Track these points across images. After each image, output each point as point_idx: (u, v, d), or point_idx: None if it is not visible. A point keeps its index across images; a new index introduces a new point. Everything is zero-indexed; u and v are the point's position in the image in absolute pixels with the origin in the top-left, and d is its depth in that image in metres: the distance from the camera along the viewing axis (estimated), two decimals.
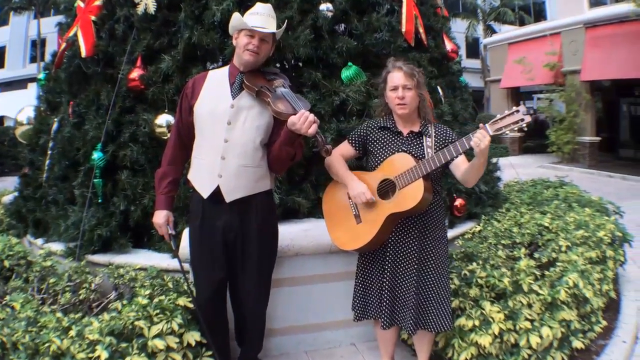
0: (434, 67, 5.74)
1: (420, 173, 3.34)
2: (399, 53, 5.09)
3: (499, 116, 3.13)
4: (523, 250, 4.73)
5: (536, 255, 4.78)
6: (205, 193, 3.36)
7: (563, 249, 4.82)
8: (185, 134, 3.51)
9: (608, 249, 5.17)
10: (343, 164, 3.70)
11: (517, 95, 26.78)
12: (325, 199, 3.89)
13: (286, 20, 3.57)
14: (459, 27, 30.65)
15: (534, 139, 24.29)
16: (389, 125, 3.66)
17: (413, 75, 3.53)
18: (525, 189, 7.82)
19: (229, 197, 3.33)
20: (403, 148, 3.55)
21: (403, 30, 5.30)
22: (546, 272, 4.39)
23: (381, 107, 3.78)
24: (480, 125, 3.15)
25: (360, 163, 4.10)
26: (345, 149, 3.77)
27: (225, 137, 3.30)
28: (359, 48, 4.99)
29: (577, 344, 3.97)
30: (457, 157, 3.33)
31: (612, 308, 5.13)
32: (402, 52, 5.18)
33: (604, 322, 4.53)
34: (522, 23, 32.73)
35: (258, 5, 3.43)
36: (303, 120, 3.03)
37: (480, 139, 3.08)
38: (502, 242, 4.99)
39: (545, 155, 22.17)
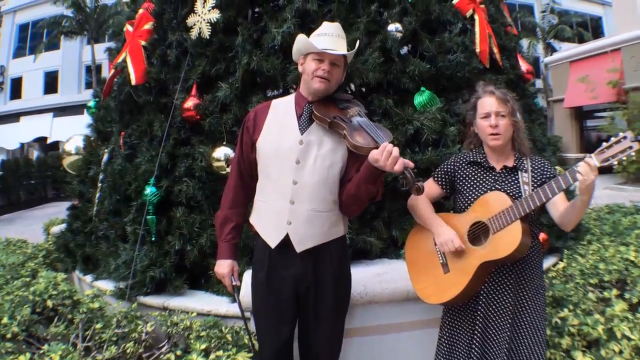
0: (511, 90, 5.28)
1: (518, 214, 2.90)
2: (474, 75, 4.71)
3: (604, 145, 2.70)
4: (615, 291, 4.28)
5: (627, 295, 4.31)
6: (272, 242, 2.96)
7: None
8: (247, 172, 3.12)
9: None
10: (428, 206, 3.30)
11: (581, 115, 26.09)
12: (409, 244, 3.48)
13: (357, 41, 3.15)
14: None
15: None
16: (479, 160, 3.24)
17: (507, 101, 3.11)
18: (603, 216, 7.28)
19: (299, 247, 2.92)
20: (496, 186, 3.12)
21: (477, 50, 4.90)
22: (638, 315, 3.95)
23: (470, 138, 3.36)
24: (586, 156, 2.72)
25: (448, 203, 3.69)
26: (430, 187, 3.33)
27: (293, 178, 2.90)
28: (432, 71, 4.59)
29: None
30: (559, 193, 2.87)
31: None
32: (478, 74, 4.78)
33: None
34: (581, 40, 32.14)
35: (325, 24, 3.03)
36: (387, 156, 2.60)
37: (586, 172, 2.64)
38: (590, 281, 4.55)
39: (610, 175, 21.40)
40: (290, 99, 3.12)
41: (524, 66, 5.88)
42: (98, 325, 3.81)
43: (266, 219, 3.02)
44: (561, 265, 4.93)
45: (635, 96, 19.99)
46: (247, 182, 3.13)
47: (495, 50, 5.19)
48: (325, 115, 2.88)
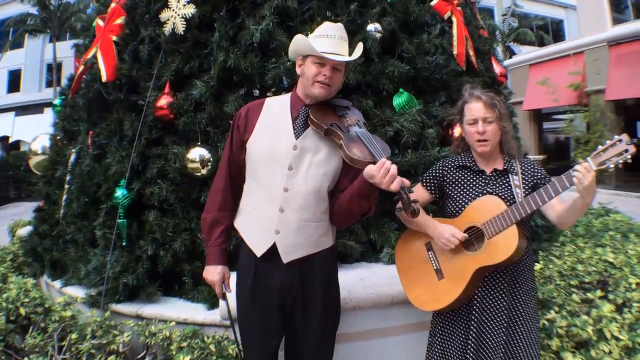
0: None
1: (514, 218, 2.87)
2: (451, 77, 4.70)
3: (600, 148, 2.69)
4: (599, 292, 4.32)
5: (611, 296, 4.34)
6: (258, 251, 2.83)
7: (633, 286, 4.41)
8: (236, 173, 2.98)
9: None
10: (422, 211, 3.20)
11: (539, 117, 26.45)
12: (399, 252, 3.41)
13: (360, 44, 3.00)
14: None
15: (556, 161, 23.76)
16: (468, 164, 3.19)
17: (494, 106, 3.06)
18: None
19: (286, 258, 2.79)
20: (487, 189, 3.08)
21: (455, 52, 4.86)
22: (626, 315, 3.99)
23: (457, 142, 3.33)
24: (582, 160, 2.70)
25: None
26: (418, 193, 3.26)
27: (285, 185, 2.77)
28: (411, 72, 4.53)
29: None
30: (556, 196, 2.84)
31: None
32: (455, 76, 4.76)
33: None
34: (541, 43, 32.60)
35: (327, 25, 2.88)
36: (384, 173, 2.46)
37: (583, 174, 2.62)
38: (571, 282, 4.57)
39: None
40: (285, 99, 2.98)
41: (497, 69, 5.86)
42: (73, 336, 3.67)
43: (253, 225, 2.89)
44: (538, 266, 4.90)
45: (597, 99, 20.36)
46: (236, 183, 3.00)
47: (471, 52, 5.17)
48: (322, 122, 2.75)
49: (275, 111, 2.93)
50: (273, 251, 2.79)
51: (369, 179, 2.52)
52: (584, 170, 2.63)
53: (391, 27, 4.57)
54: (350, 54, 2.87)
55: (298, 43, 2.82)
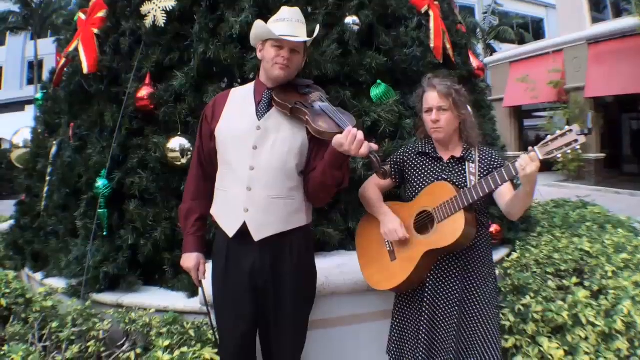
0: (463, 86, 5.34)
1: (462, 204, 2.94)
2: (428, 70, 4.71)
3: (549, 137, 2.70)
4: (574, 279, 4.39)
5: (587, 283, 4.45)
6: (230, 231, 2.88)
7: (609, 274, 4.54)
8: (207, 162, 3.05)
9: None
10: (377, 196, 3.34)
11: (520, 114, 26.66)
12: (359, 233, 3.52)
13: (318, 26, 3.10)
14: None
15: None
16: (428, 151, 3.29)
17: (449, 95, 3.13)
18: (550, 210, 7.53)
19: (257, 235, 2.84)
20: (443, 176, 3.16)
21: (432, 45, 4.94)
22: (602, 302, 4.08)
23: (421, 128, 3.40)
24: (529, 148, 2.75)
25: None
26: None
27: (250, 164, 2.83)
28: (388, 64, 4.61)
29: None
30: (502, 184, 2.90)
31: None
32: (432, 68, 4.79)
33: None
34: (521, 41, 32.81)
35: (284, 9, 2.96)
36: (352, 140, 2.57)
37: (526, 162, 2.66)
38: (547, 270, 4.67)
39: (550, 173, 21.94)
40: (249, 87, 3.07)
41: (475, 63, 5.96)
42: (54, 325, 3.66)
43: (224, 206, 2.95)
44: (515, 255, 5.02)
45: (576, 96, 20.61)
46: (208, 172, 3.06)
47: (448, 46, 5.25)
48: (286, 102, 2.83)
49: (240, 98, 3.02)
50: (244, 231, 2.84)
51: (338, 148, 2.62)
52: (529, 159, 2.66)
53: (369, 20, 4.62)
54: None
55: (257, 28, 2.91)
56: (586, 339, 3.68)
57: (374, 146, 2.65)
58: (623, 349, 3.69)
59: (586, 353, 3.56)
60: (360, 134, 2.60)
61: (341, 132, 2.63)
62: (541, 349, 3.58)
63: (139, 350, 3.41)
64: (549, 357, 3.53)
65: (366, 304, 3.84)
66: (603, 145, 21.29)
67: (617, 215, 7.08)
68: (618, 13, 22.56)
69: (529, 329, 3.74)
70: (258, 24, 2.90)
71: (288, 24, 2.87)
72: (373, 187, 3.36)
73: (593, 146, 20.58)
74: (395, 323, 3.39)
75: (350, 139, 2.58)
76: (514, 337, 3.72)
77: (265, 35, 2.87)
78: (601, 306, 3.99)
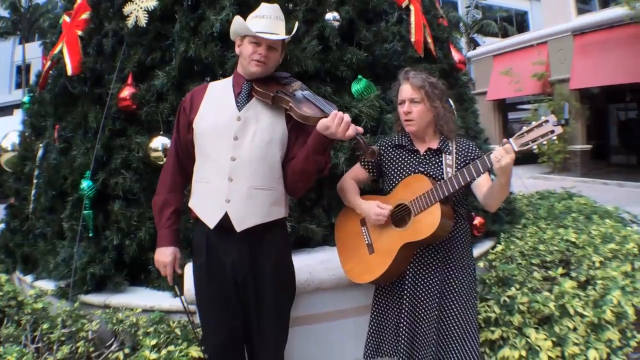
0: (444, 79, 5.37)
1: (437, 197, 2.95)
2: (410, 64, 4.74)
3: (525, 128, 2.71)
4: (560, 270, 4.41)
5: (573, 274, 4.48)
6: (211, 222, 2.87)
7: (597, 264, 4.58)
8: (184, 155, 3.05)
9: (636, 261, 4.91)
10: (353, 189, 3.36)
11: (504, 107, 26.74)
12: (338, 226, 3.53)
13: (297, 24, 3.14)
14: None
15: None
16: (404, 143, 3.29)
17: (422, 87, 3.14)
18: (535, 202, 7.57)
19: (239, 226, 2.84)
20: (420, 168, 3.17)
21: (412, 39, 4.96)
22: (590, 292, 4.10)
23: (398, 121, 3.39)
24: (504, 140, 2.75)
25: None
26: (358, 172, 3.40)
27: (232, 154, 2.84)
28: (369, 59, 4.63)
29: None
30: (478, 176, 2.92)
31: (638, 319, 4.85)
32: (413, 63, 4.80)
33: (639, 336, 4.23)
34: (505, 34, 32.87)
35: (263, 6, 2.96)
36: (339, 122, 2.61)
37: (501, 154, 2.67)
38: (533, 261, 4.69)
39: (535, 165, 21.98)
40: (227, 80, 3.09)
41: (456, 56, 5.99)
42: (45, 326, 3.72)
43: (205, 198, 2.94)
44: (499, 247, 5.02)
45: (561, 88, 20.62)
46: (185, 165, 3.06)
47: (430, 40, 5.26)
48: (268, 91, 2.85)
49: (219, 90, 3.03)
50: (225, 223, 2.84)
51: (323, 131, 2.65)
52: (503, 151, 2.67)
53: (349, 15, 4.64)
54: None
55: (235, 24, 2.92)
56: (575, 329, 3.69)
57: (360, 129, 2.69)
58: (614, 339, 3.71)
59: (575, 344, 3.58)
60: (347, 116, 2.64)
61: (326, 117, 2.66)
62: (528, 340, 3.59)
63: (127, 350, 3.44)
64: (537, 348, 3.53)
65: (350, 299, 3.83)
66: (590, 137, 21.33)
67: (604, 206, 7.15)
68: (605, 3, 22.62)
69: (515, 320, 3.74)
70: (237, 19, 2.92)
71: (267, 20, 2.88)
72: (350, 181, 3.38)
73: (579, 137, 20.65)
74: (374, 315, 3.41)
75: (337, 120, 2.62)
76: (500, 328, 3.72)
77: (243, 31, 2.89)
78: (589, 296, 4.01)
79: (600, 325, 3.76)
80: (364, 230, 3.29)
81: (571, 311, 3.75)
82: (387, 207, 3.10)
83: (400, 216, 3.14)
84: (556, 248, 4.92)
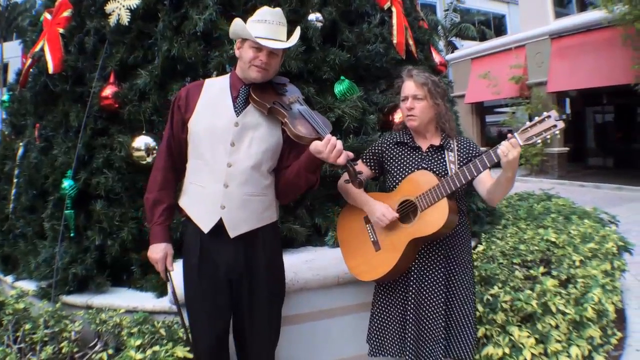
0: None
1: (444, 192, 2.99)
2: (392, 66, 4.82)
3: (528, 124, 2.79)
4: (541, 269, 4.50)
5: (554, 273, 4.55)
6: (205, 227, 2.88)
7: (577, 263, 4.69)
8: (177, 153, 3.02)
9: (615, 260, 5.07)
10: None
11: (482, 110, 26.91)
12: (340, 224, 3.52)
13: (298, 29, 3.09)
14: None
15: None
16: (406, 140, 3.33)
17: (425, 84, 3.19)
18: (514, 203, 7.64)
19: (233, 232, 2.86)
20: (423, 165, 3.21)
21: (394, 41, 5.00)
22: (571, 290, 4.19)
23: (400, 124, 3.46)
24: (509, 135, 2.82)
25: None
26: (360, 169, 3.37)
27: (228, 160, 2.83)
28: (352, 60, 4.66)
29: (599, 358, 3.79)
30: (483, 171, 2.97)
31: (618, 317, 5.00)
32: (396, 64, 4.87)
33: (619, 334, 4.44)
34: (483, 38, 33.06)
35: (265, 10, 2.90)
36: (331, 149, 2.62)
37: (508, 149, 2.76)
38: (514, 261, 4.76)
39: None
40: (225, 79, 3.04)
41: (437, 58, 6.05)
42: (27, 327, 3.67)
43: (199, 203, 2.93)
44: (481, 247, 5.09)
45: (539, 91, 20.80)
46: (177, 163, 3.04)
47: (411, 42, 5.32)
48: (264, 100, 2.83)
49: (216, 91, 2.98)
50: (219, 227, 2.85)
51: (316, 154, 2.66)
52: (510, 145, 2.75)
53: (332, 16, 4.67)
54: (288, 38, 2.95)
55: (236, 26, 2.87)
56: (557, 327, 3.76)
57: (351, 154, 2.71)
58: (595, 336, 3.79)
59: (558, 341, 3.64)
60: (339, 144, 2.65)
61: (319, 138, 2.67)
62: (512, 337, 3.65)
63: (110, 351, 3.41)
64: (520, 345, 3.58)
65: (337, 298, 3.86)
66: (567, 139, 21.52)
67: (582, 207, 7.26)
68: (583, 7, 22.85)
69: (499, 319, 3.80)
70: (237, 22, 2.86)
71: (269, 26, 2.83)
72: None
73: (556, 140, 20.80)
74: (376, 312, 3.41)
75: (330, 147, 2.63)
76: (484, 326, 3.78)
77: (244, 35, 2.85)
78: (570, 294, 4.09)
79: (582, 323, 3.83)
80: (368, 228, 3.30)
81: (553, 309, 3.81)
82: (394, 214, 3.12)
83: (405, 212, 3.16)
84: (537, 248, 5.00)
